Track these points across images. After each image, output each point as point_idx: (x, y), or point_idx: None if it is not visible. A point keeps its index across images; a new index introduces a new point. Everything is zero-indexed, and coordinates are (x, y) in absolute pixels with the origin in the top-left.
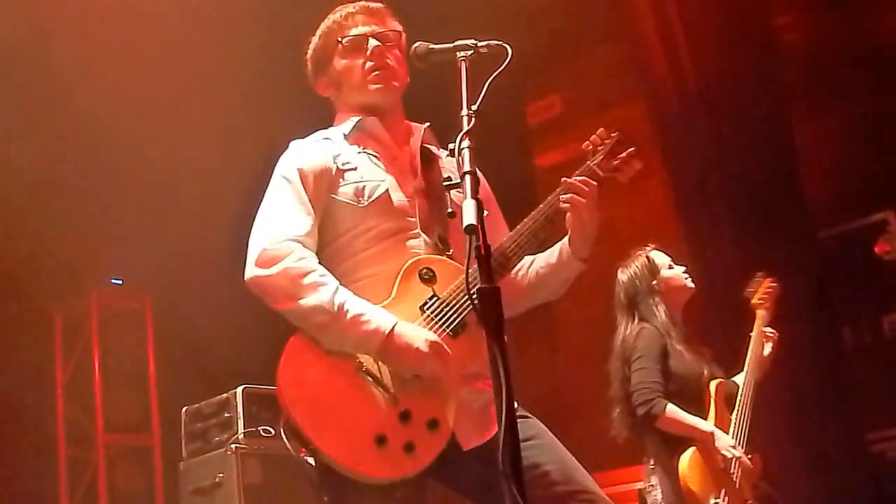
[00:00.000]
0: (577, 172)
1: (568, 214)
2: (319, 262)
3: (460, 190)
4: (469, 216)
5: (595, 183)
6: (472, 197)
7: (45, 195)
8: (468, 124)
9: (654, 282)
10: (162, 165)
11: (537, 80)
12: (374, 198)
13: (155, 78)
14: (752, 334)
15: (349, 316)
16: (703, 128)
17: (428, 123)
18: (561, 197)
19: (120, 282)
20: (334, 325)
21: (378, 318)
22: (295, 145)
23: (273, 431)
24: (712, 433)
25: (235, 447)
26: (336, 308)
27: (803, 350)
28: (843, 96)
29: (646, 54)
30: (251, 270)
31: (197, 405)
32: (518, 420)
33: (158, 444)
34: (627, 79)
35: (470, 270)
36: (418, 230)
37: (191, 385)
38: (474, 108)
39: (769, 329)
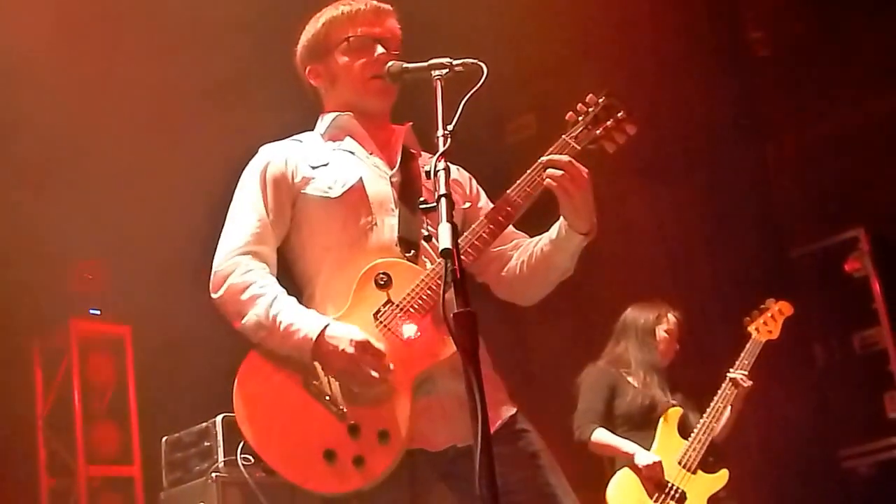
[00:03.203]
0: (551, 149)
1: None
2: (300, 264)
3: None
4: (444, 240)
5: (569, 158)
6: (448, 221)
7: (22, 225)
8: (444, 145)
9: (657, 328)
10: (141, 194)
11: (514, 99)
12: (347, 187)
13: (131, 100)
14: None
15: (282, 327)
16: (674, 146)
17: (410, 123)
18: (545, 173)
19: (98, 312)
20: (273, 338)
21: (307, 324)
22: (263, 149)
23: (252, 459)
24: (633, 453)
25: (216, 476)
26: (271, 320)
27: (775, 367)
28: (816, 113)
29: (618, 71)
30: (211, 295)
31: (177, 434)
32: (522, 433)
33: (140, 474)
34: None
35: (433, 280)
36: (392, 221)
37: (171, 414)
38: (450, 128)
39: (740, 374)
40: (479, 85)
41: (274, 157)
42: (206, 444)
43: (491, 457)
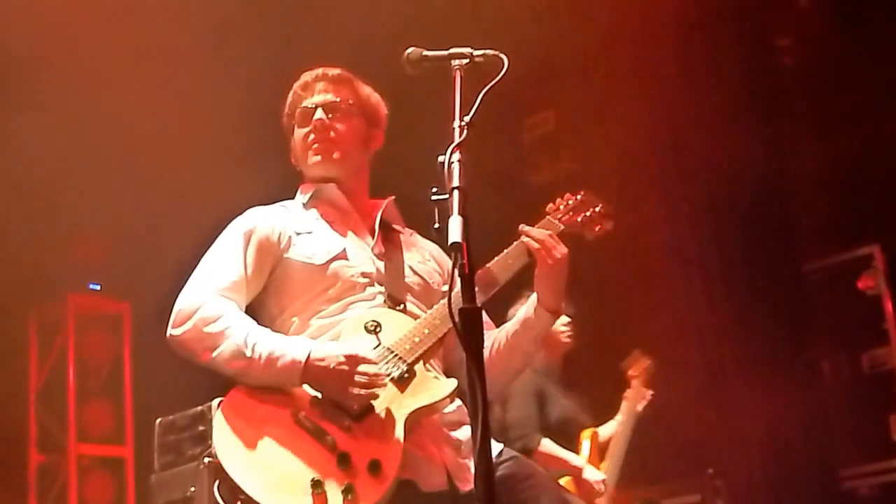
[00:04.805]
0: (537, 225)
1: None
2: (276, 324)
3: (422, 261)
4: (455, 234)
5: (549, 232)
6: (460, 213)
7: (23, 194)
8: (460, 136)
9: None
10: (145, 170)
11: (533, 94)
12: (330, 256)
13: (135, 77)
14: (626, 394)
15: (264, 357)
16: (692, 152)
17: (392, 198)
18: (523, 240)
19: (98, 287)
20: (252, 369)
21: (292, 350)
22: (250, 212)
23: None
24: (582, 467)
25: (208, 461)
26: (250, 351)
27: (781, 382)
28: (840, 125)
29: (639, 72)
30: (168, 331)
31: (171, 417)
32: (508, 460)
33: (131, 455)
34: (623, 97)
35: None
36: (375, 289)
37: (167, 395)
38: (467, 119)
39: (645, 390)
40: (499, 77)
41: (261, 220)
42: (200, 428)
43: (489, 458)
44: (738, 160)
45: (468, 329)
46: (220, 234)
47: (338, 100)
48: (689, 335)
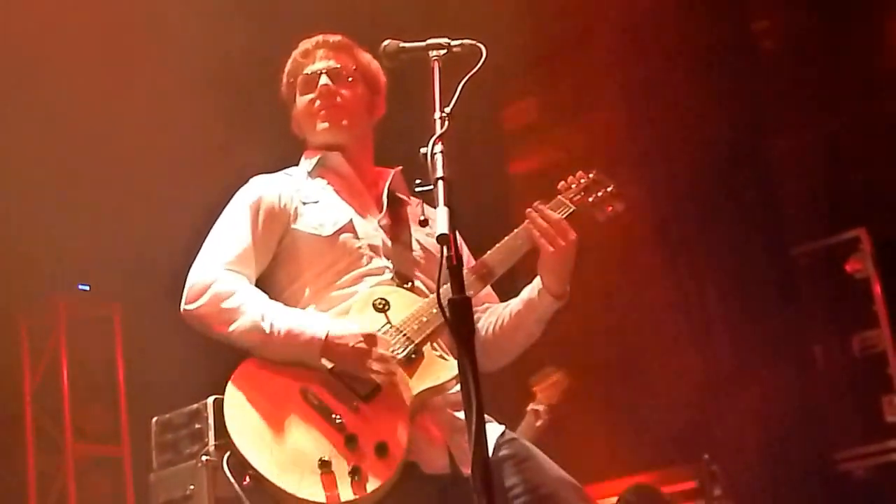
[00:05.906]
0: (548, 206)
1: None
2: (284, 296)
3: (429, 234)
4: (441, 225)
5: (558, 216)
6: (445, 204)
7: (9, 196)
8: (441, 128)
9: None
10: (135, 169)
11: (514, 84)
12: (337, 227)
13: (125, 76)
14: (528, 409)
15: (283, 332)
16: (675, 138)
17: (399, 167)
18: (533, 222)
19: (87, 288)
20: (270, 343)
21: (311, 327)
22: (254, 181)
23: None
24: None
25: (206, 459)
26: (268, 326)
27: (773, 367)
28: (822, 108)
29: (619, 59)
30: (182, 306)
31: (168, 415)
32: (509, 441)
33: (129, 454)
34: (604, 84)
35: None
36: (382, 262)
37: (162, 394)
38: (447, 110)
39: (542, 406)
40: (478, 66)
41: (266, 189)
42: (196, 426)
43: (485, 446)
44: (721, 145)
45: (458, 319)
46: (208, 230)
47: (340, 66)
48: (679, 323)
